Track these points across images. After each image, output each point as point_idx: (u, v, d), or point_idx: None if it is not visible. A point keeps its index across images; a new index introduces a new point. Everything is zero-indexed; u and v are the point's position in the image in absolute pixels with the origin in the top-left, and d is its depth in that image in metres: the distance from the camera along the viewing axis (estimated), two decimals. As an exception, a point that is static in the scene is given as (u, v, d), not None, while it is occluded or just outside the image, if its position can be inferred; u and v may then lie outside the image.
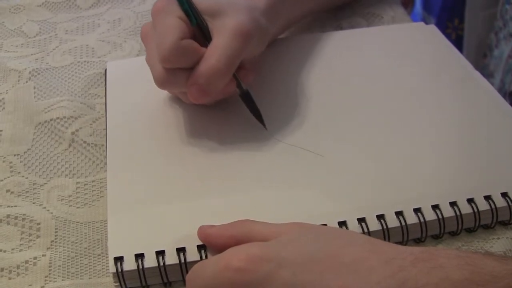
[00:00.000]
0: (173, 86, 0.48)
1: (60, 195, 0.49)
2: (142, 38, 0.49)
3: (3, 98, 0.59)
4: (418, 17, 1.25)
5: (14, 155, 0.53)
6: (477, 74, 0.55)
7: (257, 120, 0.50)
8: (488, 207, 0.43)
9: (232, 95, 0.50)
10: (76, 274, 0.43)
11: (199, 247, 0.41)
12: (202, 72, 0.45)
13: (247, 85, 0.50)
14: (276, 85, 0.55)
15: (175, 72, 0.46)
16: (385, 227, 0.42)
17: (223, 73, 0.45)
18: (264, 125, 0.50)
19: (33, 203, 0.48)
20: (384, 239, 0.42)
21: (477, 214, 0.43)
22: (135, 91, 0.55)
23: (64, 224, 0.47)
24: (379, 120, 0.50)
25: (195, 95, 0.46)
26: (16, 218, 0.47)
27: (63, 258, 0.44)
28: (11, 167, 0.51)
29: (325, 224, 0.42)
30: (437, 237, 0.44)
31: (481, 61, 0.95)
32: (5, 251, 0.45)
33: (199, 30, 0.47)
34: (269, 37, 0.52)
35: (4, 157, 0.52)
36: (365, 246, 0.36)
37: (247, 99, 0.50)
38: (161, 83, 0.47)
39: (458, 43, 1.11)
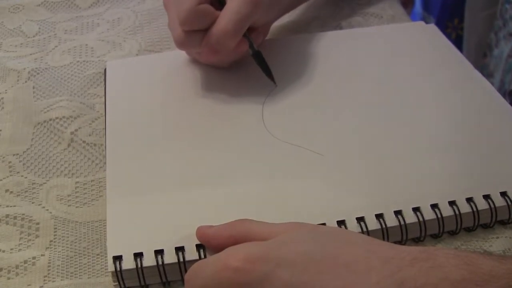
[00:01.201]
0: (190, 46, 0.52)
1: (59, 195, 0.49)
2: (164, 5, 0.53)
3: (2, 98, 0.59)
4: (417, 17, 1.24)
5: (13, 154, 0.53)
6: (477, 73, 0.55)
7: (267, 77, 0.54)
8: (487, 207, 0.43)
9: (244, 57, 0.55)
10: (75, 274, 0.43)
11: (198, 247, 0.41)
12: (213, 34, 0.50)
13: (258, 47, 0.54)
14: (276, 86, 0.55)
15: (192, 34, 0.50)
16: (384, 226, 0.42)
17: (232, 34, 0.49)
18: (274, 81, 0.54)
19: (32, 202, 0.48)
20: (383, 239, 0.42)
21: (476, 213, 0.43)
22: (135, 91, 0.55)
23: (63, 224, 0.47)
24: (378, 120, 0.50)
25: (206, 55, 0.53)
26: (15, 218, 0.47)
27: (62, 258, 0.44)
28: (10, 166, 0.51)
29: (324, 223, 0.42)
30: (436, 237, 0.44)
31: (481, 60, 0.95)
32: (4, 251, 0.45)
33: None
34: (278, 5, 0.56)
35: (3, 157, 0.52)
36: (364, 246, 0.36)
37: (258, 58, 0.54)
38: (180, 43, 0.51)
39: (458, 42, 1.10)
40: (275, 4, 0.55)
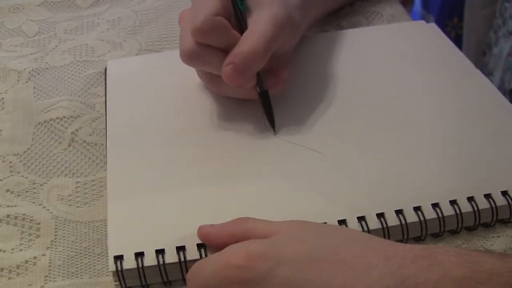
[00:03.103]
0: (201, 62, 0.48)
1: (60, 195, 0.49)
2: (179, 20, 0.50)
3: (2, 98, 0.59)
4: (417, 16, 1.25)
5: (14, 154, 0.53)
6: (477, 72, 0.55)
7: (268, 122, 0.50)
8: (488, 206, 0.43)
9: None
10: (76, 274, 0.43)
11: (199, 246, 0.41)
12: (240, 52, 0.46)
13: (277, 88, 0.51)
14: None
15: (206, 48, 0.46)
16: (385, 225, 0.42)
17: (261, 55, 0.46)
18: (274, 129, 0.50)
19: (33, 202, 0.48)
20: (384, 238, 0.42)
21: (477, 212, 0.43)
22: (135, 90, 0.55)
23: (64, 224, 0.47)
24: (379, 119, 0.50)
25: (230, 75, 0.46)
26: (16, 218, 0.47)
27: (63, 258, 0.44)
28: (10, 166, 0.51)
29: (325, 222, 0.42)
30: (437, 236, 0.44)
31: (480, 59, 0.95)
32: (5, 251, 0.45)
33: (236, 17, 0.48)
34: (300, 33, 0.54)
35: (4, 157, 0.52)
36: (365, 244, 0.36)
37: (264, 98, 0.50)
38: (190, 55, 0.46)
39: (457, 41, 1.11)
40: (296, 31, 0.52)
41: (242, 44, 0.46)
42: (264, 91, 0.49)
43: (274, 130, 0.50)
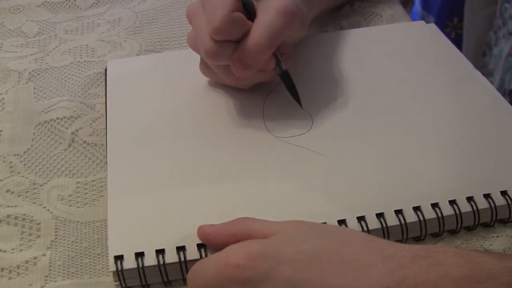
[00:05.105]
0: (222, 58, 0.48)
1: (60, 195, 0.49)
2: (189, 16, 0.50)
3: (3, 99, 0.59)
4: (417, 16, 1.25)
5: (14, 155, 0.53)
6: (477, 73, 0.55)
7: (294, 99, 0.52)
8: (487, 206, 0.43)
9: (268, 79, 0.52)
10: (76, 274, 0.43)
11: (199, 246, 0.41)
12: (246, 46, 0.47)
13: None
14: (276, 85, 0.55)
15: (224, 44, 0.47)
16: (384, 225, 0.42)
17: (265, 48, 0.47)
18: (300, 104, 0.52)
19: (33, 203, 0.48)
20: (384, 238, 0.42)
21: (476, 212, 0.43)
22: (135, 91, 0.56)
23: (64, 224, 0.47)
24: (379, 119, 0.50)
25: (237, 69, 0.48)
26: (16, 218, 0.47)
27: (63, 258, 0.44)
28: (11, 167, 0.52)
29: (325, 222, 0.42)
30: (436, 236, 0.44)
31: (480, 59, 0.95)
32: (5, 251, 0.45)
33: (244, 7, 0.48)
34: (307, 24, 0.54)
35: (4, 157, 0.52)
36: (365, 243, 0.36)
37: (285, 78, 0.51)
38: (212, 55, 0.47)
39: (457, 42, 1.11)
40: (305, 23, 0.53)
41: (248, 37, 0.47)
42: (284, 71, 0.51)
43: (301, 105, 0.52)
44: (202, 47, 0.47)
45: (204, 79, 0.55)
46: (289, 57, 0.53)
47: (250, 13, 0.48)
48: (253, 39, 0.46)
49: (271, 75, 0.51)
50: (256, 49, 0.46)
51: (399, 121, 0.50)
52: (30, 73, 0.61)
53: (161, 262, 0.41)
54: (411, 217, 0.43)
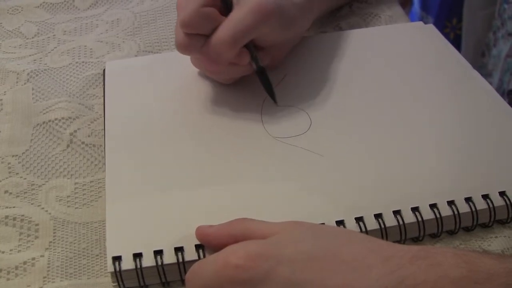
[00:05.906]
0: (191, 51, 0.49)
1: (59, 196, 0.49)
2: (177, 8, 0.50)
3: (1, 99, 0.59)
4: (416, 17, 1.25)
5: (13, 156, 0.53)
6: (475, 73, 0.55)
7: (269, 96, 0.52)
8: (486, 206, 0.43)
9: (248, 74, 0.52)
10: (75, 275, 0.43)
11: (197, 247, 0.41)
12: (211, 41, 0.47)
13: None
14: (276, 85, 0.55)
15: (194, 37, 0.47)
16: (383, 226, 0.42)
17: (228, 44, 0.47)
18: (275, 100, 0.52)
19: (32, 203, 0.48)
20: (382, 238, 0.42)
21: (475, 213, 0.43)
22: (134, 92, 0.55)
23: (62, 225, 0.47)
24: (378, 120, 0.50)
25: (204, 62, 0.50)
26: (14, 219, 0.47)
27: (62, 259, 0.44)
28: (9, 168, 0.51)
29: (323, 223, 0.42)
30: (435, 236, 0.44)
31: (479, 60, 0.95)
32: (3, 252, 0.45)
33: (222, 2, 0.49)
34: (296, 28, 0.54)
35: (2, 158, 0.52)
36: (364, 244, 0.36)
37: (260, 74, 0.51)
38: (181, 46, 0.48)
39: (456, 42, 1.11)
40: (290, 24, 0.52)
41: (216, 32, 0.47)
42: (260, 67, 0.51)
43: (276, 102, 0.52)
44: (175, 38, 0.48)
45: (202, 80, 0.55)
46: (276, 56, 0.53)
47: (227, 6, 0.49)
48: (217, 35, 0.47)
49: (250, 69, 0.51)
50: (219, 45, 0.47)
51: (397, 122, 0.50)
52: (28, 74, 0.61)
53: (159, 263, 0.41)
54: (409, 217, 0.43)
